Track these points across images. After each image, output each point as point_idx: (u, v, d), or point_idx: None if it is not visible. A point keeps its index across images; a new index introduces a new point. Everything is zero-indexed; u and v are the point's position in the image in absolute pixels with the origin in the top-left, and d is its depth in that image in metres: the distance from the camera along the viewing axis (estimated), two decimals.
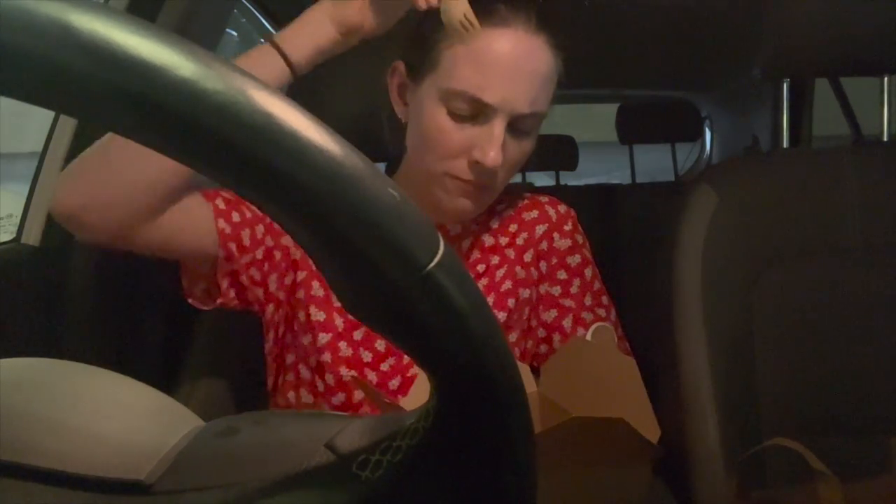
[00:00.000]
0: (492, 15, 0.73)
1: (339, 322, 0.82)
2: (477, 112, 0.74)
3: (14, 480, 0.30)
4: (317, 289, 0.82)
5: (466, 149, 0.75)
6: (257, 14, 1.70)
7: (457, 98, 0.73)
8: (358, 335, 0.82)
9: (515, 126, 0.75)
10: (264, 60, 0.72)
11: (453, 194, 0.78)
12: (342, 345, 0.81)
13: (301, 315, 0.83)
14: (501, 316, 0.85)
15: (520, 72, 0.73)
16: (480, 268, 0.87)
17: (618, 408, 0.61)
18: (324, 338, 0.81)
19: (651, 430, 0.61)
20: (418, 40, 0.77)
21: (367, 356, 0.81)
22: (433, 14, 0.75)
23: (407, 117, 0.81)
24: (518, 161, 0.79)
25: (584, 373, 0.70)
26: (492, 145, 0.73)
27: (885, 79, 1.04)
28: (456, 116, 0.74)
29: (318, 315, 0.82)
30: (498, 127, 0.73)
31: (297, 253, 0.83)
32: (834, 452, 0.79)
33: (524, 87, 0.74)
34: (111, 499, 0.30)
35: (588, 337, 0.84)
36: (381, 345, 0.82)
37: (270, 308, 0.84)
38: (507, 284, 0.86)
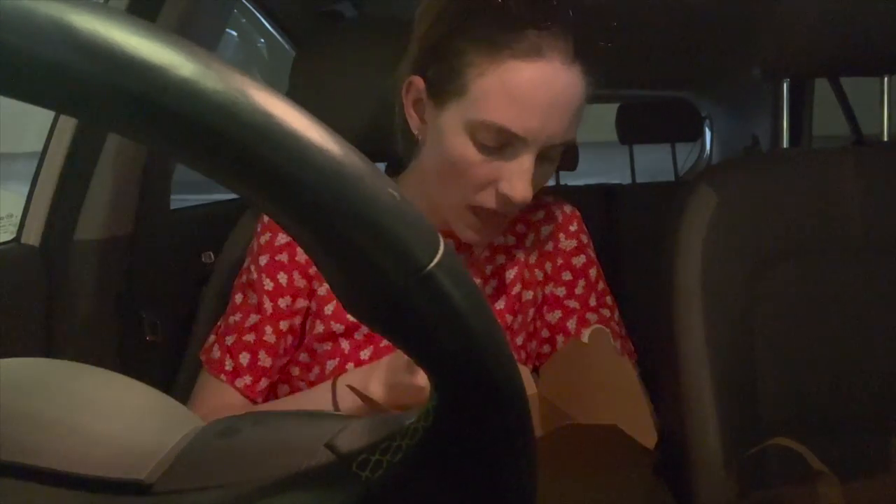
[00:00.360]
0: (523, 42, 0.68)
1: (345, 346, 0.81)
2: (505, 143, 0.70)
3: (14, 480, 0.30)
4: (317, 326, 0.82)
5: (492, 181, 0.72)
6: (257, 14, 1.70)
7: (487, 129, 0.69)
8: (365, 355, 0.81)
9: (544, 154, 0.73)
10: (319, 393, 0.76)
11: (470, 228, 0.76)
12: (349, 367, 0.81)
13: (303, 356, 0.83)
14: (510, 319, 0.85)
15: (555, 106, 0.70)
16: (488, 269, 0.86)
17: (615, 412, 0.60)
18: (331, 364, 0.81)
19: (647, 435, 0.60)
20: (442, 61, 0.72)
21: None
22: (457, 35, 0.71)
23: (424, 134, 0.77)
24: (541, 185, 0.76)
25: (581, 376, 0.70)
26: (521, 179, 0.71)
27: (885, 79, 1.04)
28: (482, 147, 0.71)
29: (323, 347, 0.82)
30: (528, 160, 0.71)
31: (282, 301, 0.83)
32: (834, 452, 0.79)
33: (558, 121, 0.70)
34: (111, 499, 0.30)
35: (584, 339, 0.83)
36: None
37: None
38: (517, 287, 0.86)
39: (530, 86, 0.69)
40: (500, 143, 0.70)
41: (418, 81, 0.75)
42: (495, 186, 0.72)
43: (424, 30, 0.74)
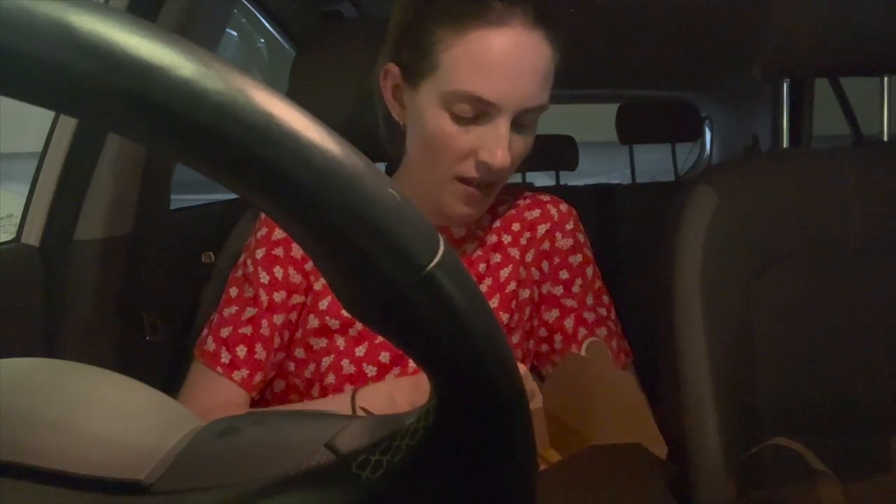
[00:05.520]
0: (487, 13, 0.72)
1: (340, 342, 0.82)
2: (480, 112, 0.73)
3: (14, 480, 0.30)
4: (312, 320, 0.82)
5: (472, 150, 0.75)
6: (257, 14, 1.70)
7: (459, 100, 0.73)
8: (360, 351, 0.81)
9: (518, 121, 0.75)
10: (337, 402, 0.76)
11: (459, 199, 0.78)
12: (345, 362, 0.81)
13: (298, 352, 0.83)
14: (505, 317, 0.85)
15: (521, 70, 0.73)
16: (482, 267, 0.86)
17: (623, 426, 0.62)
18: (327, 361, 0.81)
19: (659, 447, 0.62)
20: (413, 44, 0.76)
21: (371, 370, 0.81)
22: (425, 16, 0.74)
23: (405, 120, 0.80)
24: (522, 155, 0.79)
25: (584, 390, 0.71)
26: (498, 145, 0.73)
27: (885, 79, 1.04)
28: (459, 119, 0.74)
29: (319, 343, 0.82)
30: (503, 126, 0.73)
31: (277, 295, 0.83)
32: (834, 452, 0.79)
33: (526, 84, 0.73)
34: (111, 499, 0.30)
35: (583, 353, 0.84)
36: (385, 356, 0.82)
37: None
38: (512, 286, 0.86)
39: (495, 52, 0.72)
40: (475, 112, 0.73)
41: (393, 68, 0.79)
42: (475, 156, 0.75)
43: (397, 18, 0.78)
